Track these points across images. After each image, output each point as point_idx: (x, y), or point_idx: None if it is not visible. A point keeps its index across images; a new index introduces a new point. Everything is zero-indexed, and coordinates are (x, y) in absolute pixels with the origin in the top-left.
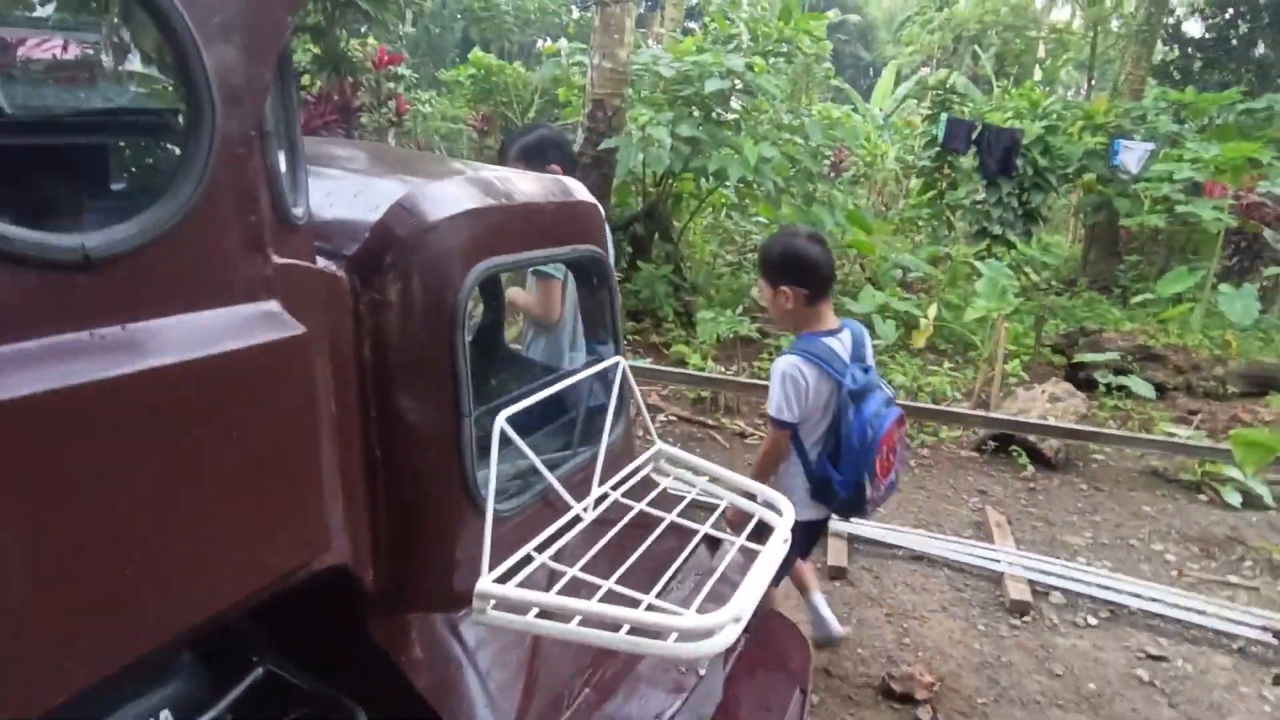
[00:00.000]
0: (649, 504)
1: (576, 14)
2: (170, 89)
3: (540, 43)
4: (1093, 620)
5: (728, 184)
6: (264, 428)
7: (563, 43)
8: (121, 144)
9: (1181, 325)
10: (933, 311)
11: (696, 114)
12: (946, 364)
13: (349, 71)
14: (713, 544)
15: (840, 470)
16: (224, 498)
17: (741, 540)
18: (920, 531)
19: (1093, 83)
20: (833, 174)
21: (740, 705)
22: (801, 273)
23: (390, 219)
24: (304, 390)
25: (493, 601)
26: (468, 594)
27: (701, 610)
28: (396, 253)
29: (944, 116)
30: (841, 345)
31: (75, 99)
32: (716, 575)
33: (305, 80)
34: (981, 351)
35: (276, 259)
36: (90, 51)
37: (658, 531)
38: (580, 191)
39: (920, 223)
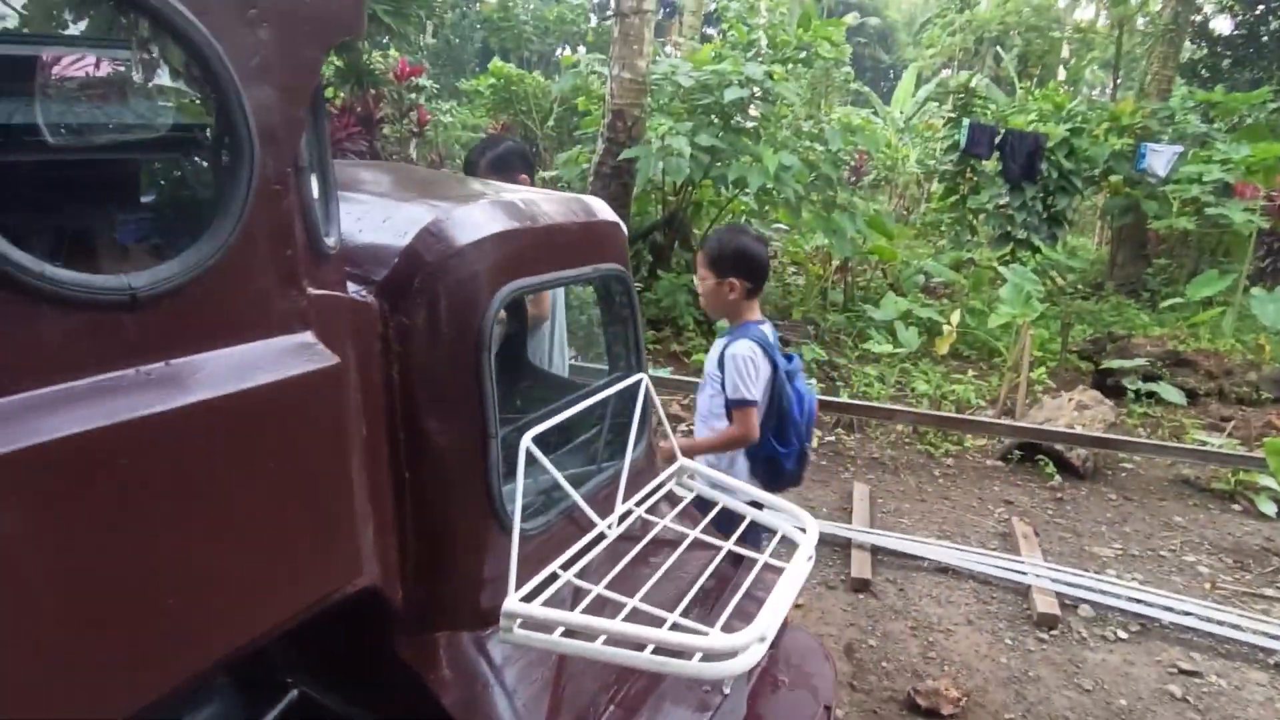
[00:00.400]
0: (672, 519)
1: (594, 22)
2: (209, 129)
3: (559, 52)
4: (1123, 634)
5: (747, 192)
6: (301, 457)
7: (581, 52)
8: (161, 182)
9: (1213, 330)
10: (956, 318)
11: (715, 122)
12: (971, 371)
13: (371, 84)
14: (735, 559)
15: (785, 443)
16: (263, 526)
17: (765, 557)
18: (945, 543)
19: (1118, 83)
20: (853, 179)
21: None
22: (750, 269)
23: (418, 244)
24: (338, 418)
25: (519, 620)
26: (494, 612)
27: (727, 629)
28: (424, 278)
29: (966, 121)
30: (769, 333)
31: (117, 137)
32: (741, 593)
33: (329, 93)
34: (1006, 358)
35: (311, 290)
36: (127, 88)
37: (681, 549)
38: (603, 210)
39: (943, 228)
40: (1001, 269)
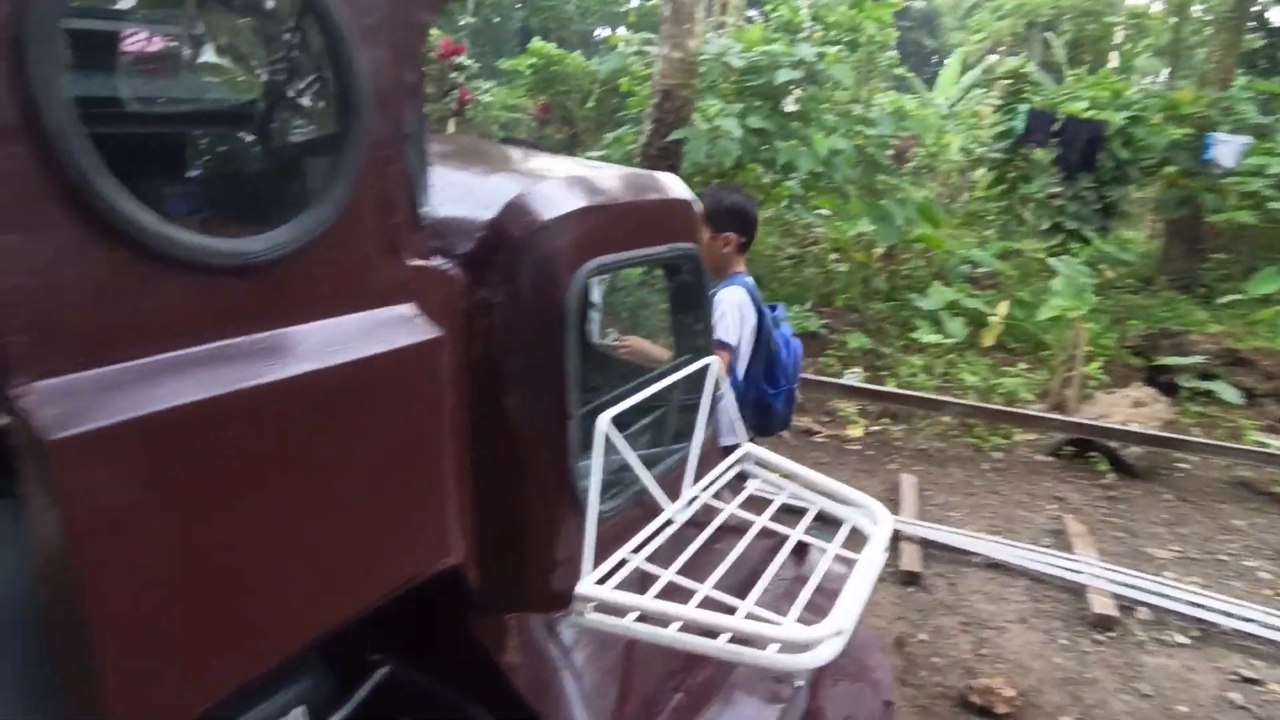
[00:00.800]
0: (737, 506)
1: (636, 2)
2: (322, 91)
3: (600, 32)
4: (1182, 639)
5: (793, 176)
6: (404, 431)
7: (623, 31)
8: (272, 146)
9: (1272, 328)
10: (1003, 309)
11: (762, 105)
12: (1021, 364)
13: None
14: (798, 549)
15: (774, 384)
16: (366, 501)
17: (836, 548)
18: (997, 538)
19: (1175, 71)
20: (896, 165)
21: (824, 717)
22: (744, 223)
23: (504, 218)
24: (438, 394)
25: (593, 604)
26: (565, 595)
27: (803, 621)
28: (509, 252)
29: (1024, 108)
30: (752, 285)
31: (227, 98)
32: (813, 583)
33: None
34: (1054, 352)
35: (411, 261)
36: (243, 50)
37: (749, 536)
38: (678, 187)
39: (990, 217)
40: (1051, 260)
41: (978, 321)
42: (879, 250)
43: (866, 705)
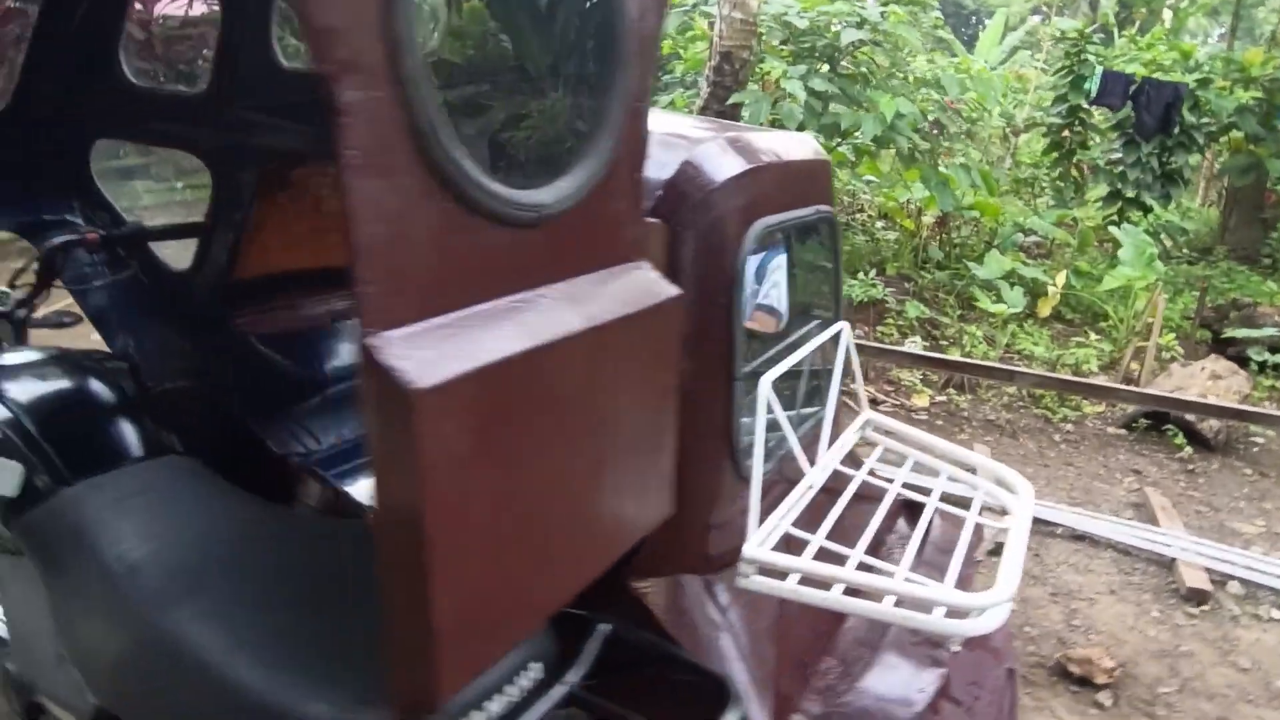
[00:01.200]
0: (867, 472)
1: None
2: (592, 39)
3: None
4: (1277, 614)
5: (850, 141)
6: (653, 386)
7: None
8: (558, 100)
9: None
10: (1061, 279)
11: (822, 68)
12: (1091, 335)
13: None
14: (912, 514)
15: None
16: (629, 452)
17: (975, 515)
18: (1080, 510)
19: (1234, 31)
20: (936, 130)
21: (951, 683)
22: None
23: (680, 179)
24: (675, 350)
25: (757, 566)
26: (723, 557)
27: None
28: (686, 211)
29: (1099, 69)
30: None
31: (519, 52)
32: (962, 550)
33: None
34: (1116, 323)
35: (646, 218)
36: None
37: (886, 502)
38: (819, 148)
39: (1044, 184)
40: (1113, 229)
41: (1034, 292)
42: (928, 218)
43: (991, 673)
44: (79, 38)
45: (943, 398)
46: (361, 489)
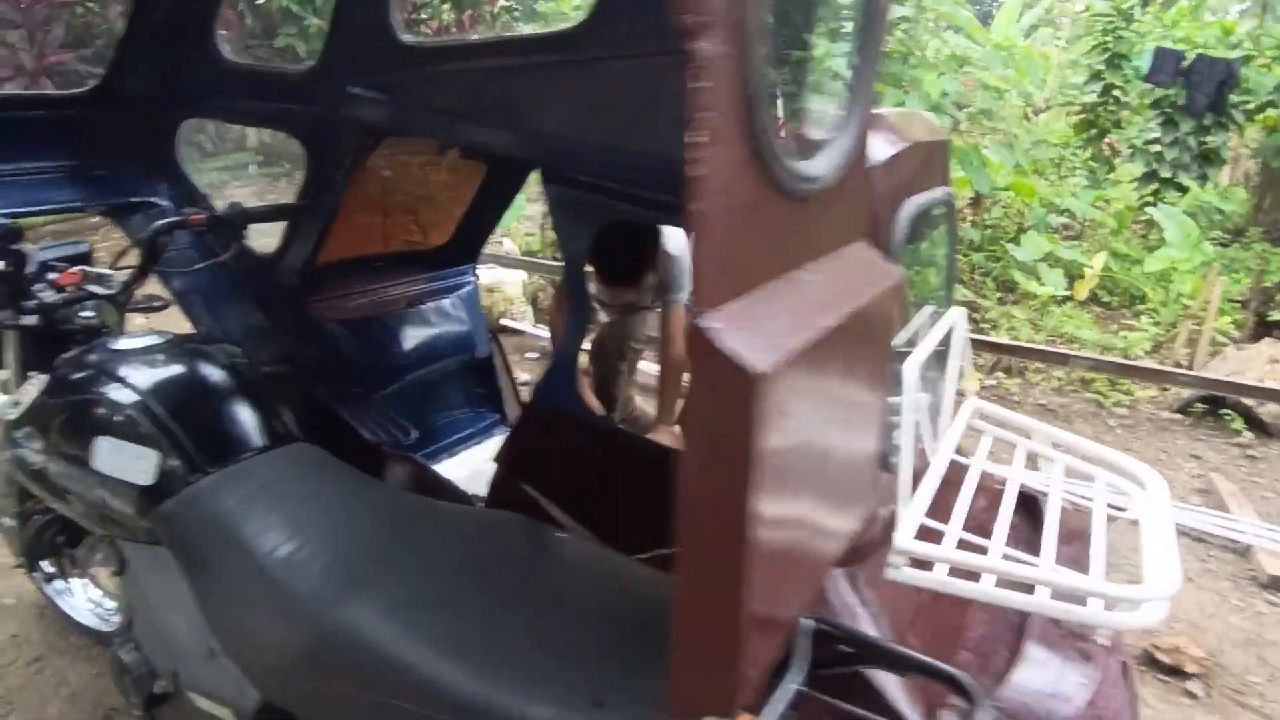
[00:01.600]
0: (982, 460)
1: None
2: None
3: None
4: None
5: None
6: (878, 367)
7: None
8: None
9: None
10: (1099, 261)
11: None
12: (1139, 318)
13: (470, 4)
14: (1024, 503)
15: None
16: (864, 436)
17: (1102, 507)
18: None
19: (1266, 7)
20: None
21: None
22: None
23: None
24: (893, 332)
25: (907, 556)
26: (864, 549)
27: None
28: None
29: (1153, 46)
30: None
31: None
32: (1099, 541)
33: (426, 14)
34: (1157, 306)
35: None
36: None
37: (1011, 492)
38: (939, 126)
39: (1072, 164)
40: (1152, 210)
41: (1070, 274)
42: (962, 199)
43: (1112, 669)
44: (177, 13)
45: (991, 381)
46: (451, 474)
